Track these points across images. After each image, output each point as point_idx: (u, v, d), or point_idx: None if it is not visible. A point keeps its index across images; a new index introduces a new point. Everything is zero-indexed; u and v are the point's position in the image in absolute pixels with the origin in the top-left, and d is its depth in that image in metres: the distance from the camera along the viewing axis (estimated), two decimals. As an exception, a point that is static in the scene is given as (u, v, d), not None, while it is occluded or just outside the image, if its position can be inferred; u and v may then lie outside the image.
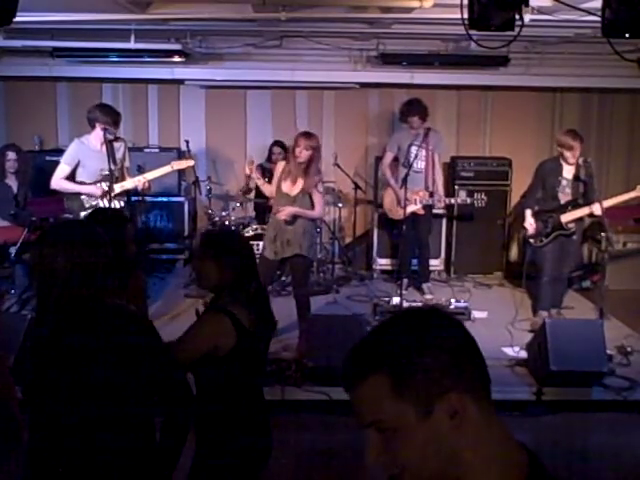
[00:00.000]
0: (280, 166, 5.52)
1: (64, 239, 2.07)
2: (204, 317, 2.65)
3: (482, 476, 1.14)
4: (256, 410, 2.73)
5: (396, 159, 7.01)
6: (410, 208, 6.72)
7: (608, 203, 5.89)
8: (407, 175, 6.45)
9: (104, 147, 5.62)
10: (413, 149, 6.82)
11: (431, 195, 6.87)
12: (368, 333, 1.24)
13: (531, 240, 6.13)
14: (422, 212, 6.86)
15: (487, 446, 1.15)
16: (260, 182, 5.70)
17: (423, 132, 6.81)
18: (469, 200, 6.98)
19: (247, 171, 5.69)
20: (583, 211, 5.98)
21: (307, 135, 5.31)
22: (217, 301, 2.70)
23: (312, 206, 5.36)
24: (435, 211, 7.26)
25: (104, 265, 2.10)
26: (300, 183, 5.30)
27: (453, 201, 7.13)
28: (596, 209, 5.83)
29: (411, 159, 6.74)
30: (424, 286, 7.13)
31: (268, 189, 5.61)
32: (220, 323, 2.56)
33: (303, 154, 5.20)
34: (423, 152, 6.85)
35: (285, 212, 5.29)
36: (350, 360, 1.20)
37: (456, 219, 7.79)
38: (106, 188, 5.67)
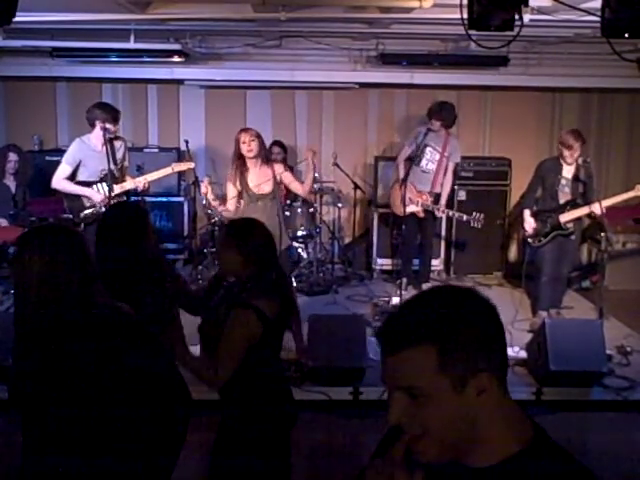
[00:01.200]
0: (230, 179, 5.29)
1: (41, 244, 2.05)
2: (233, 318, 2.73)
3: (495, 440, 1.26)
4: (279, 382, 2.95)
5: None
6: (410, 208, 6.69)
7: (607, 202, 5.89)
8: (407, 174, 6.47)
9: (105, 147, 5.63)
10: (428, 150, 6.82)
11: (435, 201, 6.80)
12: (412, 302, 1.30)
13: (530, 240, 6.13)
14: (422, 215, 6.82)
15: (502, 416, 1.27)
16: (216, 203, 5.32)
17: (444, 136, 6.81)
18: (465, 217, 6.58)
19: (203, 189, 5.31)
20: (582, 211, 5.98)
21: (244, 129, 5.23)
22: (240, 292, 2.82)
23: (283, 196, 5.54)
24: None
25: (82, 273, 2.07)
26: (268, 180, 5.20)
27: (451, 214, 6.88)
28: (595, 208, 5.82)
29: (421, 158, 6.77)
30: (424, 286, 7.12)
31: (226, 212, 5.28)
32: (249, 322, 2.69)
33: (253, 145, 5.08)
34: (437, 156, 6.84)
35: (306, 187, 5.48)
36: (398, 324, 1.25)
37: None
38: (105, 192, 5.69)
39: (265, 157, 5.27)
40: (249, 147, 5.07)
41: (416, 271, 7.27)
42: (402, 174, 6.84)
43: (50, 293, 2.02)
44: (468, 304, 1.27)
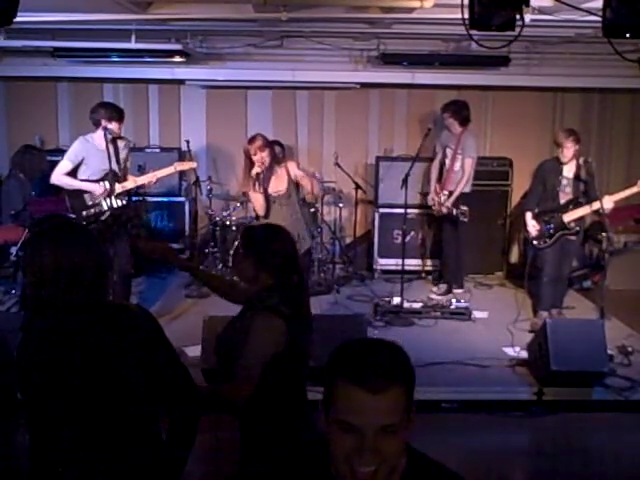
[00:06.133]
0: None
1: (52, 239, 2.06)
2: (258, 322, 2.56)
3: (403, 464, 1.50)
4: (302, 405, 2.72)
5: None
6: (435, 207, 6.94)
7: (612, 198, 5.86)
8: (437, 175, 6.98)
9: (107, 146, 5.63)
10: (448, 150, 6.98)
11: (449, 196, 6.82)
12: (374, 346, 1.52)
13: (535, 242, 6.10)
14: (439, 213, 6.87)
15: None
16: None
17: (459, 134, 6.88)
18: (454, 211, 6.61)
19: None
20: (585, 210, 5.97)
21: (251, 139, 5.14)
22: (261, 301, 2.64)
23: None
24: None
25: (95, 266, 2.09)
26: (283, 178, 5.17)
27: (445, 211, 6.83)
28: (600, 204, 5.76)
29: (444, 159, 7.02)
30: (441, 286, 7.22)
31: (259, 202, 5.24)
32: (276, 326, 2.55)
33: (264, 156, 5.05)
34: (452, 153, 6.93)
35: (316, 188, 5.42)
36: (381, 367, 1.44)
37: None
38: (107, 187, 5.67)
39: (276, 160, 5.24)
40: (261, 160, 5.04)
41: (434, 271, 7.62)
42: (432, 178, 7.14)
43: (65, 291, 2.02)
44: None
